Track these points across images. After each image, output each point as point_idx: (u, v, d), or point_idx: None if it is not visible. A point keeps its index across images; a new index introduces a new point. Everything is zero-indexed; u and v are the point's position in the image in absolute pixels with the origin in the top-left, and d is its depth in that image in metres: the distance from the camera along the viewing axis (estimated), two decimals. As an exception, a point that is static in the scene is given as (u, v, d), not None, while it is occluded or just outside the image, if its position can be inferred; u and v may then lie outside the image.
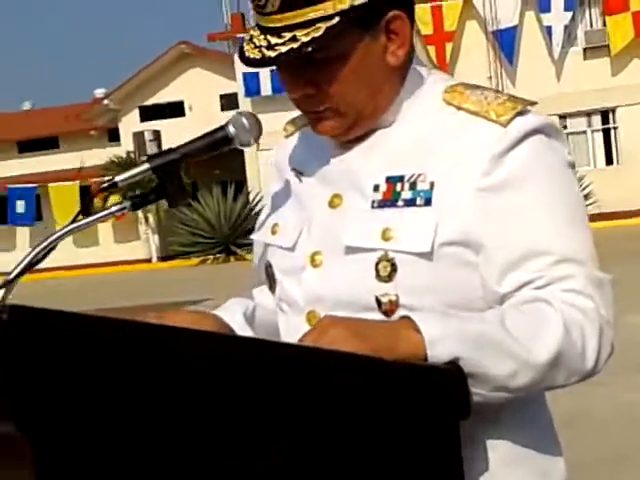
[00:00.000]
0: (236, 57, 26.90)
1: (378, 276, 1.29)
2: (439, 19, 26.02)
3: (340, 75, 1.31)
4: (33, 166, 32.83)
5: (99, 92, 35.80)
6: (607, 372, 1.37)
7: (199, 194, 25.01)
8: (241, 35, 26.47)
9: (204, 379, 0.97)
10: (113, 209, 1.36)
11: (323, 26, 1.27)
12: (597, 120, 26.34)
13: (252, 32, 1.34)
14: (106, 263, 26.31)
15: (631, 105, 25.22)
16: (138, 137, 28.90)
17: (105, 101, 32.17)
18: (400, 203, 1.30)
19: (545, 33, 25.60)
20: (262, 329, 1.50)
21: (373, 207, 1.32)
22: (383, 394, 1.10)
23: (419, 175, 1.30)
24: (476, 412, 1.17)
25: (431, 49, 26.11)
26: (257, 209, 25.03)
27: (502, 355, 1.18)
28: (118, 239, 29.09)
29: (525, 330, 1.20)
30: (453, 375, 1.15)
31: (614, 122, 26.02)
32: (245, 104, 27.39)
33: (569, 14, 25.22)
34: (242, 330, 1.47)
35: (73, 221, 1.36)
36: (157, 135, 29.12)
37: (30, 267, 1.29)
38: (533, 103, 1.33)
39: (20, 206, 29.05)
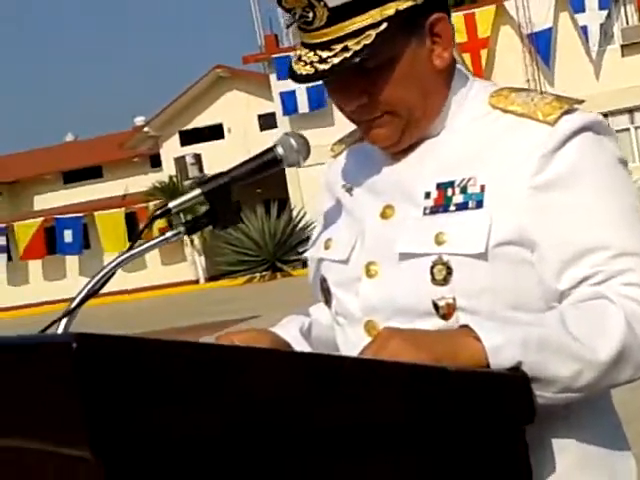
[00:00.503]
0: (272, 77, 27.11)
1: (434, 280, 1.29)
2: (472, 26, 25.94)
3: (391, 80, 1.33)
4: (78, 196, 33.27)
5: (139, 120, 36.19)
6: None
7: (243, 213, 25.13)
8: (276, 55, 26.66)
9: (275, 397, 0.98)
10: (168, 235, 1.38)
11: (373, 33, 1.30)
12: (639, 116, 26.02)
13: (299, 51, 1.37)
14: (155, 286, 26.53)
15: (673, 100, 24.90)
16: (179, 162, 29.20)
17: (145, 128, 32.53)
18: (452, 208, 1.32)
19: (581, 33, 25.40)
20: (319, 345, 1.51)
21: (425, 214, 1.33)
22: (449, 402, 1.10)
23: (469, 179, 1.32)
24: (543, 415, 1.17)
25: (466, 57, 26.02)
26: (300, 225, 25.14)
27: (565, 357, 1.18)
28: (165, 262, 29.30)
29: (587, 329, 1.20)
30: (517, 380, 1.15)
31: (656, 118, 25.70)
32: (283, 123, 27.53)
33: (604, 12, 25.00)
34: (299, 345, 1.48)
35: (130, 249, 1.38)
36: (198, 158, 29.38)
37: (90, 296, 1.32)
38: (580, 102, 1.35)
39: (68, 235, 29.45)
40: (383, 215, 1.38)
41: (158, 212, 1.39)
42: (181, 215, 1.46)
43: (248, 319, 14.54)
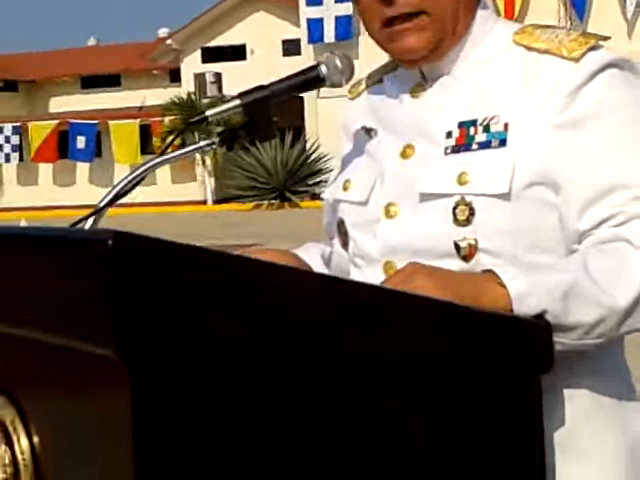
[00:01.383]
0: (301, 2, 26.75)
1: (456, 220, 1.28)
2: (510, -28, 25.46)
3: None
4: (95, 102, 33.07)
5: (163, 32, 35.81)
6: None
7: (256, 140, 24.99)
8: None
9: (306, 319, 0.97)
10: (202, 144, 1.36)
11: None
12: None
13: None
14: (163, 203, 26.52)
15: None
16: (199, 78, 28.92)
17: (168, 41, 32.17)
18: (474, 147, 1.29)
19: (619, -9, 24.94)
20: (339, 275, 1.50)
21: (447, 153, 1.31)
22: (472, 343, 1.09)
23: (492, 117, 1.30)
24: (557, 361, 1.16)
25: (500, 2, 25.61)
26: (313, 157, 25.01)
27: (588, 303, 1.17)
28: (175, 180, 29.24)
29: (608, 273, 1.19)
30: (539, 328, 1.15)
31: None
32: (307, 51, 27.19)
33: (645, -27, 24.51)
34: (321, 271, 1.48)
35: (162, 154, 1.36)
36: (218, 77, 29.11)
37: (120, 197, 1.30)
38: (606, 38, 1.32)
39: (81, 142, 29.32)
40: (403, 155, 1.36)
41: (195, 118, 1.36)
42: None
43: (251, 245, 14.57)
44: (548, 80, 1.28)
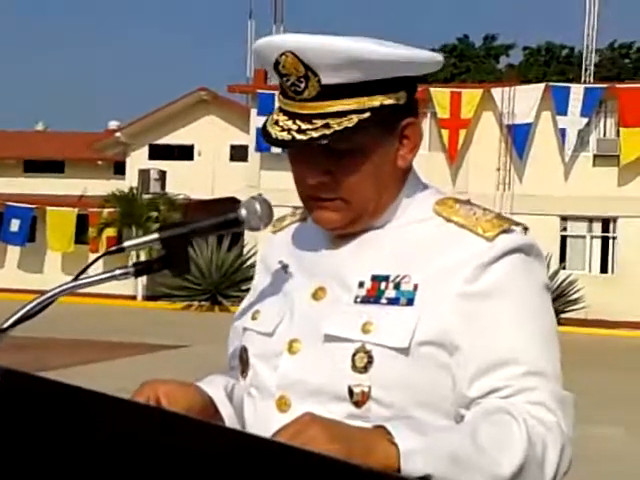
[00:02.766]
0: (253, 111, 27.20)
1: (354, 366, 1.33)
2: (457, 105, 26.35)
3: (357, 168, 1.37)
4: (36, 187, 32.83)
5: (113, 124, 36.02)
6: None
7: (194, 240, 24.99)
8: (261, 91, 26.74)
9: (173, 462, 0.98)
10: (116, 272, 1.38)
11: (356, 118, 1.34)
12: (598, 227, 26.53)
13: (276, 116, 1.40)
14: (92, 294, 26.13)
15: (633, 217, 25.43)
16: (143, 174, 29.01)
17: (117, 134, 32.35)
18: (383, 301, 1.36)
19: (559, 134, 25.93)
20: (240, 407, 1.51)
21: (356, 302, 1.37)
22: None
23: (404, 276, 1.36)
24: None
25: (445, 133, 26.41)
26: (249, 263, 25.02)
27: (472, 471, 1.20)
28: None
29: (493, 444, 1.23)
30: (425, 491, 1.16)
31: (614, 231, 26.21)
32: (254, 158, 27.57)
33: (584, 120, 25.58)
34: (223, 405, 1.49)
35: (75, 278, 1.38)
36: (162, 175, 29.23)
37: (23, 320, 1.31)
38: (518, 224, 1.41)
39: (15, 225, 28.93)
40: (315, 296, 1.41)
41: (112, 249, 1.39)
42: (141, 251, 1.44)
43: (178, 347, 14.40)
44: (461, 252, 1.35)
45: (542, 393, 1.31)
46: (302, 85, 1.35)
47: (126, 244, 1.38)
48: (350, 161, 1.37)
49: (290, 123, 1.37)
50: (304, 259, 1.47)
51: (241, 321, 1.51)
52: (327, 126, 1.34)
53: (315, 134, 1.34)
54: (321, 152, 1.36)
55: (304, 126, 1.35)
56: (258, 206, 1.42)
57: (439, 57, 1.42)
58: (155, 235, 1.38)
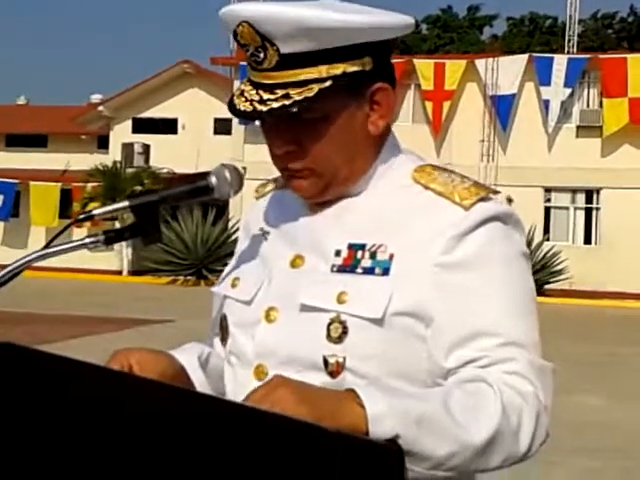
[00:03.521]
0: (236, 83, 27.04)
1: (329, 337, 1.33)
2: (441, 77, 26.32)
3: (323, 136, 1.36)
4: (18, 162, 32.66)
5: (95, 97, 35.82)
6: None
7: (179, 213, 24.96)
8: (244, 63, 26.58)
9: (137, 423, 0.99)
10: (86, 241, 1.38)
11: (316, 87, 1.33)
12: (581, 198, 26.65)
13: (243, 87, 1.39)
14: (77, 269, 26.11)
15: (616, 188, 25.54)
16: (127, 148, 28.88)
17: (100, 107, 32.16)
18: (359, 270, 1.35)
19: (542, 106, 25.95)
20: (214, 375, 1.52)
21: (332, 271, 1.37)
22: (321, 463, 1.12)
23: (380, 246, 1.36)
24: None
25: (429, 105, 26.38)
26: (234, 237, 25.00)
27: (442, 436, 1.20)
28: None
29: (466, 411, 1.23)
30: (392, 452, 1.17)
31: (597, 202, 26.33)
32: (238, 131, 27.49)
33: (568, 90, 25.61)
34: (194, 372, 1.50)
35: (46, 247, 1.38)
36: (146, 149, 29.12)
37: (-4, 287, 1.31)
38: (496, 192, 1.40)
39: (-2, 200, 28.84)
40: (293, 264, 1.41)
41: (81, 216, 1.39)
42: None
43: (163, 322, 14.41)
44: (437, 221, 1.34)
45: (519, 363, 1.30)
46: (261, 55, 1.34)
47: (95, 212, 1.38)
48: (317, 129, 1.36)
49: (254, 93, 1.36)
50: (283, 226, 1.46)
51: (222, 288, 1.51)
52: (287, 96, 1.33)
53: (275, 105, 1.33)
54: (287, 121, 1.35)
55: (265, 96, 1.34)
56: (228, 174, 1.41)
57: (408, 20, 1.39)
58: (125, 203, 1.38)
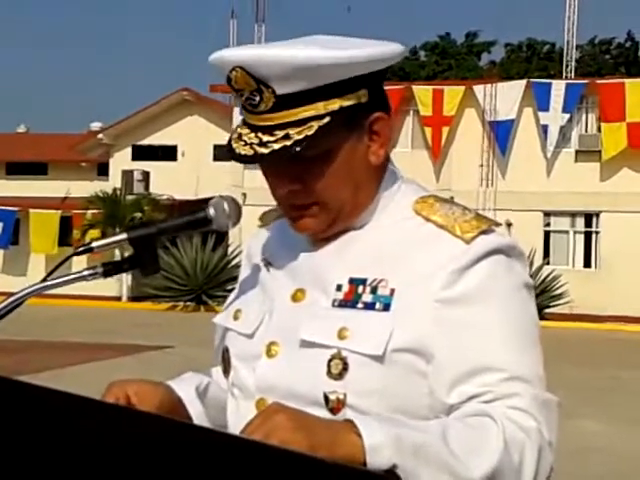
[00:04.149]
0: (236, 110, 27.14)
1: (329, 373, 1.32)
2: (439, 103, 26.39)
3: (326, 171, 1.36)
4: (18, 190, 32.66)
5: (95, 125, 35.92)
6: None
7: (179, 240, 24.94)
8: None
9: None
10: (85, 273, 1.39)
11: (315, 125, 1.33)
12: (580, 222, 26.63)
13: (240, 130, 1.39)
14: (77, 296, 26.03)
15: (615, 212, 25.54)
16: (127, 175, 28.92)
17: (100, 135, 32.23)
18: (360, 305, 1.34)
19: (540, 131, 26.01)
20: (214, 406, 1.52)
21: (334, 306, 1.36)
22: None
23: (381, 280, 1.35)
24: None
25: (428, 130, 26.44)
26: (234, 262, 24.97)
27: (439, 469, 1.19)
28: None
29: (466, 445, 1.22)
30: (389, 483, 1.17)
31: (597, 226, 26.31)
32: (238, 158, 27.44)
33: (566, 116, 25.66)
34: (191, 405, 1.50)
35: (45, 279, 1.38)
36: (146, 176, 29.15)
37: (-5, 320, 1.31)
38: (498, 224, 1.39)
39: (-2, 227, 28.81)
40: (294, 298, 1.41)
41: (80, 249, 1.39)
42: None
43: (163, 348, 14.37)
44: (438, 255, 1.33)
45: (523, 398, 1.28)
46: (257, 98, 1.33)
47: (95, 244, 1.39)
48: (320, 166, 1.35)
49: (252, 136, 1.35)
50: (285, 258, 1.45)
51: (223, 319, 1.51)
52: (287, 137, 1.32)
53: (276, 146, 1.33)
54: (289, 161, 1.34)
55: (265, 138, 1.34)
56: (226, 205, 1.42)
57: (397, 49, 1.38)
58: (123, 235, 1.39)
